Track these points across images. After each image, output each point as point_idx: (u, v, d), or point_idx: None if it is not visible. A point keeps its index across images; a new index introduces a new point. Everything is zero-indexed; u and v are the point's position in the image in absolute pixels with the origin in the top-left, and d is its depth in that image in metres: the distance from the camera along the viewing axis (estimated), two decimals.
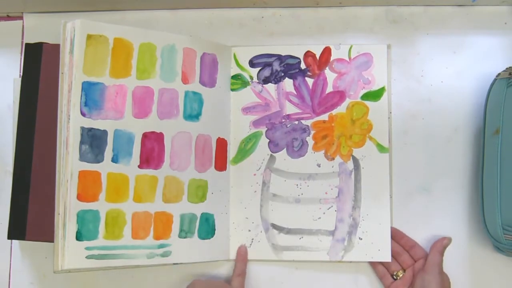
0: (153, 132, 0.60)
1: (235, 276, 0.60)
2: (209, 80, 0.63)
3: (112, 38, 0.59)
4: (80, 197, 0.56)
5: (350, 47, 0.64)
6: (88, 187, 0.57)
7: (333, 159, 0.64)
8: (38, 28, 0.67)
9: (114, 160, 0.58)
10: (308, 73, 0.65)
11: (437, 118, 0.63)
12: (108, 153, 0.58)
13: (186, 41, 0.62)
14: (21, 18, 0.68)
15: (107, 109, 0.58)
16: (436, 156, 0.63)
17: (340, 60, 0.65)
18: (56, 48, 0.59)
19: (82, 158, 0.57)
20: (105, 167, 0.58)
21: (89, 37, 0.58)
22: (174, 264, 0.60)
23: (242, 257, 0.62)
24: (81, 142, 0.57)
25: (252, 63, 0.65)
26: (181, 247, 0.60)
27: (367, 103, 0.64)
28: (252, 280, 0.62)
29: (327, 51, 0.65)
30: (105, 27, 0.58)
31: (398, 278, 0.60)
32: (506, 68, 0.59)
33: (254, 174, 0.64)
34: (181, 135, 0.61)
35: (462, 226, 0.62)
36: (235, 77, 0.65)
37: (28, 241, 0.60)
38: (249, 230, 0.63)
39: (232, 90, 0.65)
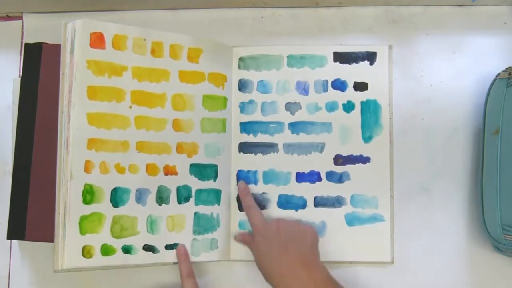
0: None
1: (184, 277, 0.57)
2: None
3: None
4: None
5: None
6: None
7: None
8: (38, 28, 0.67)
9: None
10: None
11: (437, 118, 0.63)
12: None
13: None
14: (20, 18, 0.68)
15: None
16: (436, 156, 0.63)
17: None
18: (55, 48, 0.58)
19: None
20: None
21: None
22: (174, 264, 0.60)
23: (183, 257, 0.59)
24: None
25: None
26: None
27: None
28: (252, 280, 0.62)
29: None
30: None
31: None
32: (506, 68, 0.59)
33: None
34: None
35: (462, 226, 0.62)
36: None
37: (27, 241, 0.59)
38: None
39: None
